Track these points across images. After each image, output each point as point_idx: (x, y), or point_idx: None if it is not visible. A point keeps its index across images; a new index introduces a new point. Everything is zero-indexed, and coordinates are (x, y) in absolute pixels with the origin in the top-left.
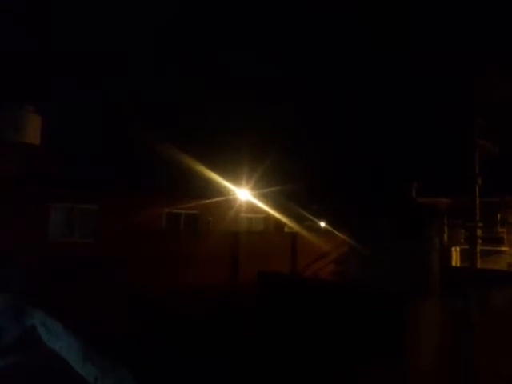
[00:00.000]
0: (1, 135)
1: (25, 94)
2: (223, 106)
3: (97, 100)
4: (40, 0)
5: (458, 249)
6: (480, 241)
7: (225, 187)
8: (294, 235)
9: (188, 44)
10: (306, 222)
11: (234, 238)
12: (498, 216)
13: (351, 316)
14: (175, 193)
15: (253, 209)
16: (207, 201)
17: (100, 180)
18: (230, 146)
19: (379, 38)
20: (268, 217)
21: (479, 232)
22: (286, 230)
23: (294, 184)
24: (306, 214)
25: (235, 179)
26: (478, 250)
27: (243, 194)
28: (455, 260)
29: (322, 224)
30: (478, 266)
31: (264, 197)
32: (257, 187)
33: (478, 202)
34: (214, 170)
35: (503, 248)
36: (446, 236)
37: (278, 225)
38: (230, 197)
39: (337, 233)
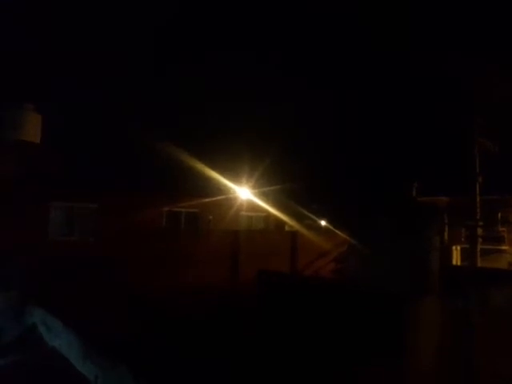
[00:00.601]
0: (1, 135)
1: (25, 94)
2: (223, 105)
3: (97, 100)
4: (40, 0)
5: (458, 248)
6: (480, 240)
7: (225, 186)
8: (294, 234)
9: (188, 44)
10: (307, 220)
11: (234, 236)
12: (499, 215)
13: (351, 316)
14: (175, 192)
15: (253, 207)
16: (208, 199)
17: (100, 179)
18: (231, 145)
19: (379, 38)
20: (268, 215)
21: (480, 231)
22: (286, 228)
23: (295, 183)
24: (306, 212)
25: (236, 178)
26: (479, 248)
27: (244, 192)
28: (455, 259)
29: (323, 223)
30: (479, 264)
31: (264, 195)
32: (257, 186)
33: (478, 200)
34: (214, 168)
35: (504, 247)
36: (446, 235)
37: (279, 223)
38: (231, 195)
39: (337, 232)
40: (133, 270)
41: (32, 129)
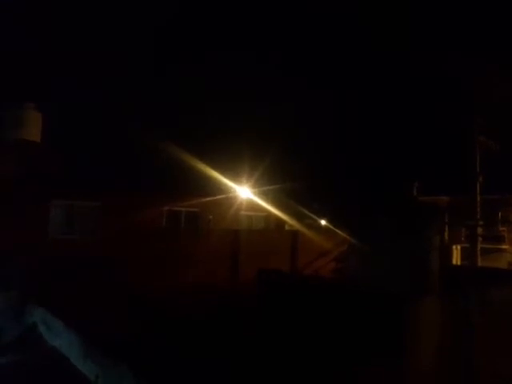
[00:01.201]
0: (1, 134)
1: (25, 94)
2: (223, 105)
3: (97, 100)
4: (40, 0)
5: (458, 247)
6: (480, 239)
7: (225, 185)
8: (294, 233)
9: (188, 44)
10: (307, 220)
11: (234, 236)
12: (499, 214)
13: (351, 316)
14: (175, 191)
15: (253, 207)
16: (208, 199)
17: (100, 179)
18: (231, 145)
19: (379, 38)
20: (268, 215)
21: (480, 230)
22: (286, 228)
23: (295, 182)
24: (306, 212)
25: (236, 177)
26: (479, 248)
27: (244, 191)
28: (456, 258)
29: (323, 222)
30: (479, 264)
31: (264, 195)
32: (257, 185)
33: (478, 200)
34: (214, 168)
35: (504, 246)
36: (446, 234)
37: (279, 223)
38: (231, 195)
39: (337, 231)
40: (133, 270)
41: (33, 128)
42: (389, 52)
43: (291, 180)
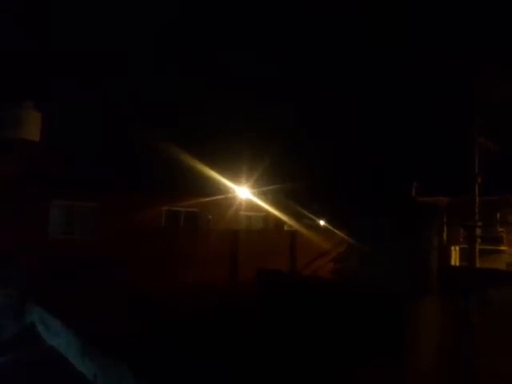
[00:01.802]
0: (1, 134)
1: (25, 94)
2: (223, 105)
3: (97, 100)
4: (40, 0)
5: (457, 248)
6: (479, 240)
7: (225, 185)
8: (293, 233)
9: (188, 44)
10: (306, 220)
11: (233, 236)
12: (498, 215)
13: (351, 316)
14: (175, 191)
15: (252, 207)
16: (207, 199)
17: (100, 178)
18: (230, 145)
19: (379, 38)
20: (268, 215)
21: (478, 231)
22: (285, 228)
23: (294, 183)
24: (305, 212)
25: (235, 177)
26: (477, 249)
27: (243, 192)
28: (454, 259)
29: (322, 222)
30: (477, 265)
31: (263, 195)
32: (256, 185)
33: (477, 201)
34: (213, 168)
35: (502, 247)
36: (445, 235)
37: (278, 223)
38: (230, 195)
39: (336, 231)
40: (133, 270)
41: (32, 127)
42: (389, 52)
43: (290, 180)
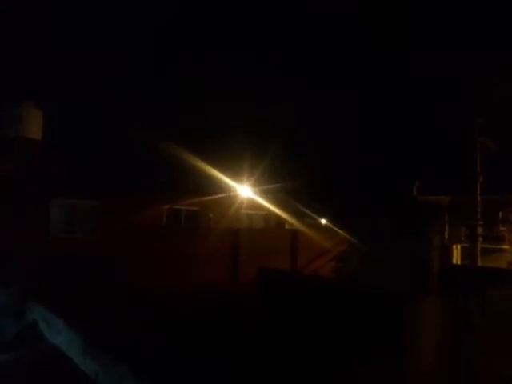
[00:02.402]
0: (1, 132)
1: (25, 94)
2: (223, 105)
3: (97, 100)
4: (40, 0)
5: (458, 247)
6: (481, 239)
7: (226, 184)
8: (294, 232)
9: (188, 44)
10: (307, 218)
11: (234, 234)
12: (500, 214)
13: (351, 316)
14: (176, 190)
15: (253, 205)
16: (208, 197)
17: (101, 178)
18: (231, 144)
19: (379, 38)
20: (269, 214)
21: (480, 230)
22: (286, 226)
23: (295, 181)
24: (306, 211)
25: (236, 176)
26: (479, 248)
27: (244, 190)
28: (456, 258)
29: (323, 221)
30: (479, 263)
31: (265, 194)
32: (258, 184)
33: (479, 200)
34: (215, 166)
35: (504, 246)
36: (446, 234)
37: (279, 222)
38: (231, 193)
39: (337, 230)
40: (133, 269)
41: (33, 125)
42: (389, 52)
43: (291, 179)
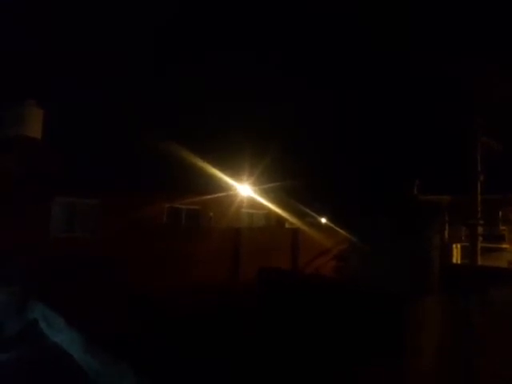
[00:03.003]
0: (2, 132)
1: (25, 94)
2: (223, 105)
3: (97, 99)
4: (40, 0)
5: (458, 246)
6: (481, 238)
7: (226, 183)
8: (295, 231)
9: (188, 44)
10: (307, 218)
11: (235, 233)
12: (500, 214)
13: (351, 316)
14: (176, 189)
15: (254, 204)
16: (209, 196)
17: (101, 177)
18: (231, 144)
19: (379, 38)
20: (269, 213)
21: (480, 229)
22: (287, 226)
23: (295, 180)
24: (307, 210)
25: (236, 175)
26: (479, 247)
27: (244, 189)
28: (456, 257)
29: (324, 220)
30: (479, 263)
31: (265, 193)
32: (258, 183)
33: (479, 199)
34: (215, 166)
35: (504, 245)
36: (446, 233)
37: (279, 221)
38: (232, 192)
39: (338, 229)
40: (132, 269)
41: (34, 124)
42: (389, 52)
43: (291, 178)
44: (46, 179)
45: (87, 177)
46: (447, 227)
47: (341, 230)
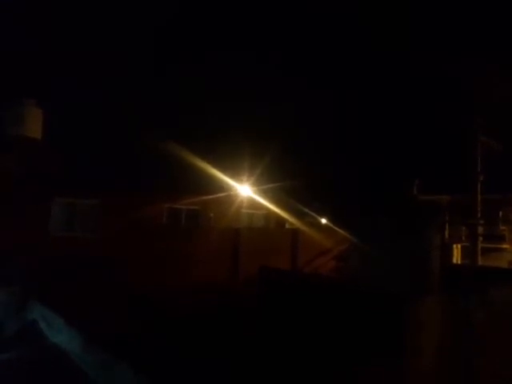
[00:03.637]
0: (2, 132)
1: (25, 94)
2: (223, 105)
3: (97, 99)
4: (40, 0)
5: (459, 246)
6: (481, 238)
7: (226, 183)
8: (294, 231)
9: (188, 44)
10: (307, 218)
11: (235, 234)
12: (500, 213)
13: (351, 316)
14: (176, 189)
15: (254, 205)
16: (209, 197)
17: (100, 177)
18: (231, 144)
19: (379, 38)
20: (269, 213)
21: (480, 229)
22: (286, 226)
23: (295, 181)
24: (307, 210)
25: (236, 175)
26: (479, 247)
27: (244, 189)
28: (456, 257)
29: (323, 220)
30: (479, 263)
31: (265, 193)
32: (258, 183)
33: (479, 199)
34: (215, 166)
35: (504, 245)
36: (447, 233)
37: (279, 221)
38: (232, 193)
39: (338, 229)
40: (132, 269)
41: (33, 124)
42: (389, 52)
43: (291, 178)
44: (46, 179)
45: (87, 177)
46: (447, 227)
47: (341, 230)
